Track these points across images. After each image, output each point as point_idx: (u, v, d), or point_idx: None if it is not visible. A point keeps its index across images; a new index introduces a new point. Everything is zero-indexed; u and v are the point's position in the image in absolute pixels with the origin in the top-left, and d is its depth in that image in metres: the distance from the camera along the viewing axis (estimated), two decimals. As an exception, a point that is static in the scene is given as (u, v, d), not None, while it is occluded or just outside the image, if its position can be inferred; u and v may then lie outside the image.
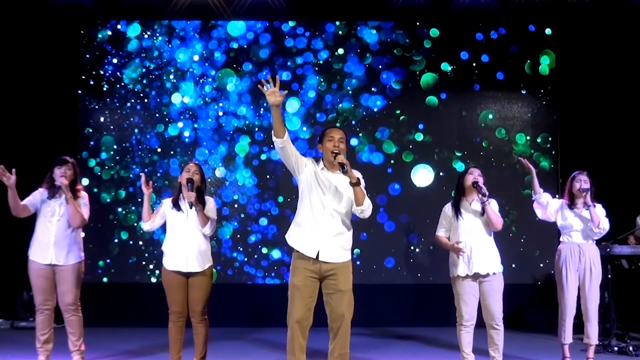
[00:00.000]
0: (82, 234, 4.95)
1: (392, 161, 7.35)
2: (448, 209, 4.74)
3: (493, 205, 4.59)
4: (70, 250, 4.73)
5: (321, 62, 7.45)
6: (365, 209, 3.87)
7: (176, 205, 4.60)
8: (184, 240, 4.53)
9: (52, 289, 4.72)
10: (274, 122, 3.79)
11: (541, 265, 7.26)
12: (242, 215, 7.29)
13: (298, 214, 3.97)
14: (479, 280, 4.54)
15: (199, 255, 4.53)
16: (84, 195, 4.86)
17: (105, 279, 7.19)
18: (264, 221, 7.28)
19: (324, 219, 3.86)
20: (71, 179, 4.73)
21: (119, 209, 7.27)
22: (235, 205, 7.31)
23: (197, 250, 4.53)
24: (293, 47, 7.46)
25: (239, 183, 7.33)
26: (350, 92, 7.43)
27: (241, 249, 7.25)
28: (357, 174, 3.93)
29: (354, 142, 7.33)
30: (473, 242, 4.53)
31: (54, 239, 4.67)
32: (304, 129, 7.37)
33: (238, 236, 7.28)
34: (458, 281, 4.58)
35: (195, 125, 7.37)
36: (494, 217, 4.51)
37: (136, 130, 7.36)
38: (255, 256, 7.24)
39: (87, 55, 7.39)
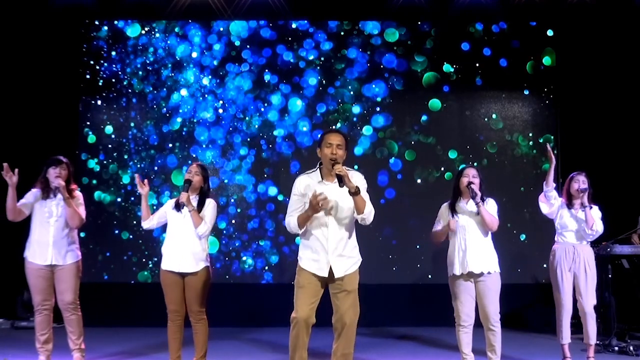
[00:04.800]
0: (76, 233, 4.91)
1: (393, 159, 7.36)
2: (444, 208, 4.75)
3: (490, 205, 4.58)
4: (69, 249, 4.74)
5: (322, 59, 7.46)
6: (366, 216, 3.82)
7: (177, 207, 4.65)
8: (179, 241, 4.57)
9: (50, 289, 4.72)
10: (302, 219, 3.79)
11: (543, 265, 7.24)
12: (239, 210, 7.32)
13: (304, 233, 3.92)
14: (474, 280, 4.54)
15: (192, 256, 4.55)
16: (79, 195, 4.85)
17: (105, 278, 7.20)
18: (261, 212, 7.34)
19: (330, 237, 3.83)
20: (66, 179, 4.70)
21: (119, 208, 7.28)
22: (232, 201, 7.32)
23: (191, 252, 4.56)
24: (294, 41, 7.47)
25: (237, 177, 7.34)
26: (351, 89, 7.44)
27: (238, 242, 7.29)
28: (358, 176, 3.88)
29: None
30: (468, 242, 4.53)
31: (53, 240, 4.67)
32: (304, 128, 7.38)
33: (235, 233, 7.29)
34: (454, 280, 4.59)
35: (194, 120, 7.39)
36: (488, 217, 4.49)
37: (132, 124, 7.38)
38: (253, 246, 7.29)
39: (85, 48, 7.40)
